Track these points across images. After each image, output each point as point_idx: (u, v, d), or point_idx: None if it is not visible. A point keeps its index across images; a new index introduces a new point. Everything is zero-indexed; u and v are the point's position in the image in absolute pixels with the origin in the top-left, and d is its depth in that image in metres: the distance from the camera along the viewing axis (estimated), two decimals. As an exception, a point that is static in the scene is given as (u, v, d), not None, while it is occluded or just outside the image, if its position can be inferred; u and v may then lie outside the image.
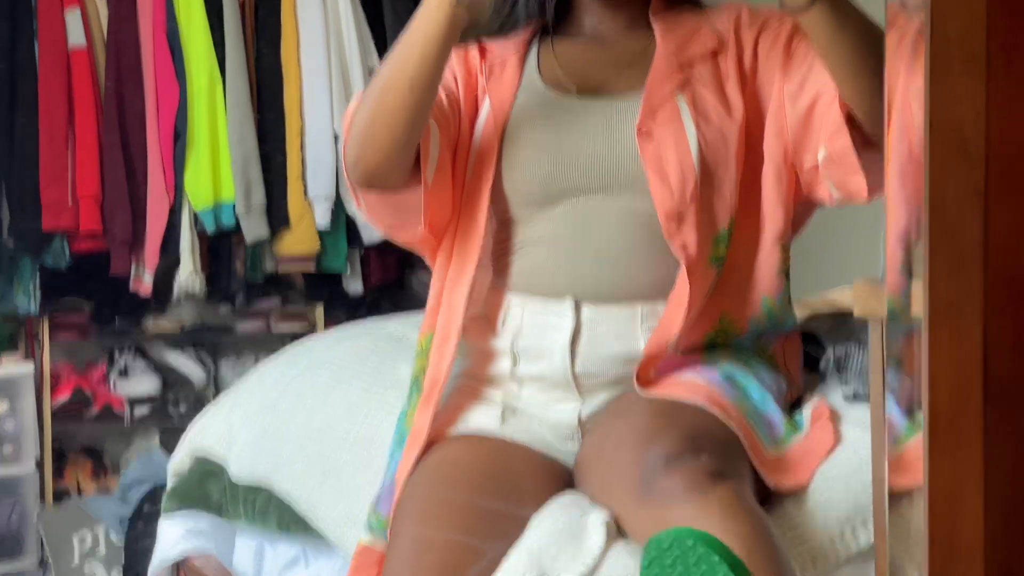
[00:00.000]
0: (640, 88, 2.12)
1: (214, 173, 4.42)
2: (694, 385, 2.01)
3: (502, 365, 2.17)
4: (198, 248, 4.47)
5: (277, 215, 4.52)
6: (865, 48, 1.89)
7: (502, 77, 2.19)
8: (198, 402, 4.74)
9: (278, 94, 4.52)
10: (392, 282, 4.98)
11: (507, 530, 1.99)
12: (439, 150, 2.12)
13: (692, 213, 2.05)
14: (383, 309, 5.13)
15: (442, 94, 2.16)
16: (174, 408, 4.76)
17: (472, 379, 2.21)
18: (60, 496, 4.59)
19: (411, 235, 2.18)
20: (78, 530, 4.37)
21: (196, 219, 4.45)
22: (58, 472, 4.65)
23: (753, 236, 2.11)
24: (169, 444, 4.72)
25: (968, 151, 1.01)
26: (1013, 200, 1.00)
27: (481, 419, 2.17)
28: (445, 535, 1.97)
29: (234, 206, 4.44)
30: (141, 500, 4.30)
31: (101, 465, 4.79)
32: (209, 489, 2.91)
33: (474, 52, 2.23)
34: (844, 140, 1.96)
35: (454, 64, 2.21)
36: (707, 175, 2.07)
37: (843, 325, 2.33)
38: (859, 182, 1.98)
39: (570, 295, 2.11)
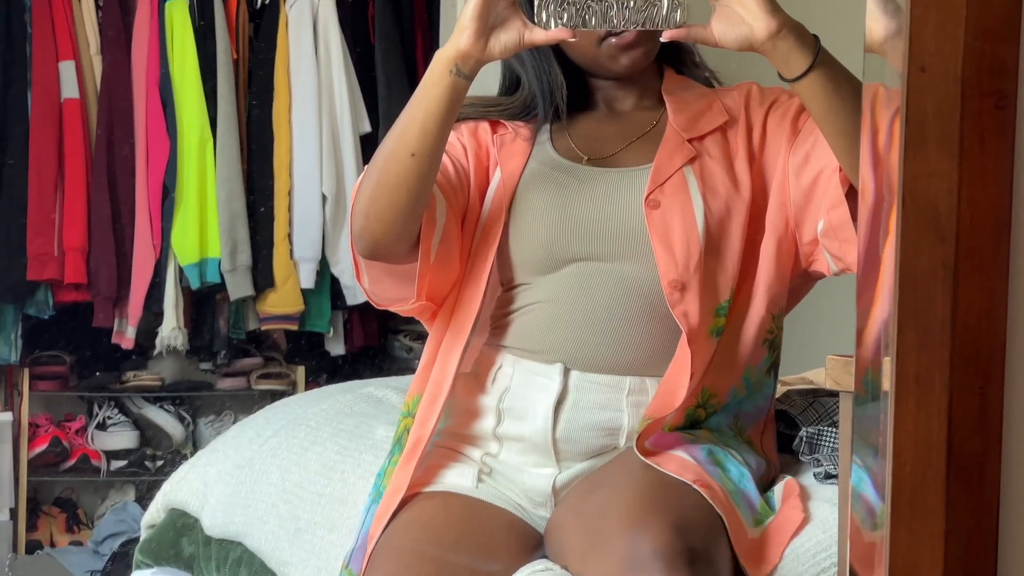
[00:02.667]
0: (649, 160, 2.15)
1: (201, 229, 4.44)
2: (684, 462, 2.01)
3: (485, 423, 2.18)
4: (182, 303, 4.49)
5: (263, 274, 4.54)
6: (861, 118, 1.92)
7: (513, 146, 2.21)
8: (175, 457, 4.75)
9: (268, 153, 4.55)
10: (373, 345, 4.99)
11: None
12: (445, 220, 2.13)
13: (696, 283, 2.07)
14: (363, 371, 5.16)
15: (449, 165, 2.17)
16: (151, 462, 4.76)
17: (452, 437, 2.21)
18: (32, 548, 4.58)
19: (409, 307, 2.19)
20: (48, 583, 4.37)
21: (181, 274, 4.46)
22: (31, 523, 4.64)
23: (748, 307, 2.13)
24: (145, 498, 4.73)
25: (940, 226, 1.03)
26: (981, 277, 1.01)
27: (456, 478, 2.17)
28: None
29: (220, 263, 4.45)
30: (113, 553, 4.29)
31: (75, 518, 4.78)
32: (181, 544, 2.91)
33: (485, 125, 2.25)
34: (842, 212, 1.98)
35: (464, 135, 2.22)
36: (712, 247, 2.09)
37: (816, 404, 2.35)
38: (855, 255, 1.99)
39: (560, 359, 2.12)
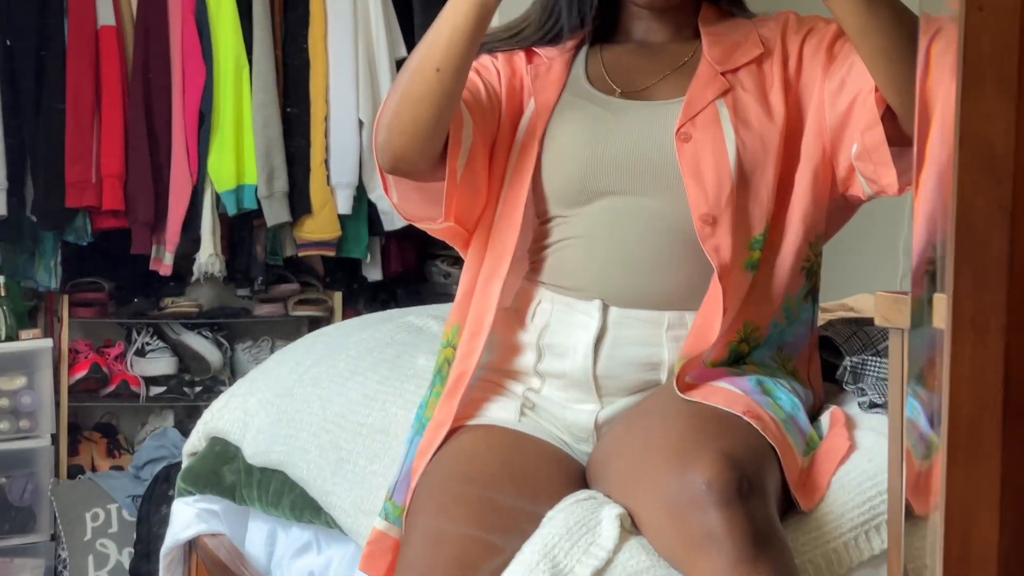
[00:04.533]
0: (682, 94, 2.13)
1: (237, 156, 4.43)
2: (731, 394, 2.00)
3: (526, 359, 2.17)
4: (219, 230, 4.49)
5: (299, 200, 4.53)
6: (898, 35, 1.89)
7: (548, 77, 2.20)
8: (214, 383, 4.76)
9: (304, 80, 4.53)
10: (411, 271, 4.99)
11: (522, 526, 2.00)
12: (471, 142, 2.12)
13: (727, 217, 2.05)
14: (401, 297, 5.16)
15: (482, 88, 2.17)
16: (189, 388, 4.77)
17: (494, 372, 2.21)
18: (73, 472, 4.61)
19: (438, 227, 2.18)
20: (91, 507, 4.40)
21: (218, 201, 4.46)
22: (72, 448, 4.67)
23: (784, 238, 2.11)
24: (183, 424, 4.76)
25: (996, 168, 1.02)
26: (1040, 218, 1.00)
27: (499, 412, 2.17)
28: (460, 529, 1.98)
29: (256, 189, 4.45)
30: (154, 479, 4.32)
31: (115, 443, 4.81)
32: (223, 472, 2.93)
33: (520, 54, 2.24)
34: (878, 133, 1.96)
35: (499, 61, 2.22)
36: (744, 180, 2.07)
37: (860, 333, 2.34)
38: (890, 175, 1.98)
39: (598, 296, 2.11)
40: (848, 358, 2.21)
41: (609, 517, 1.94)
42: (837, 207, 2.17)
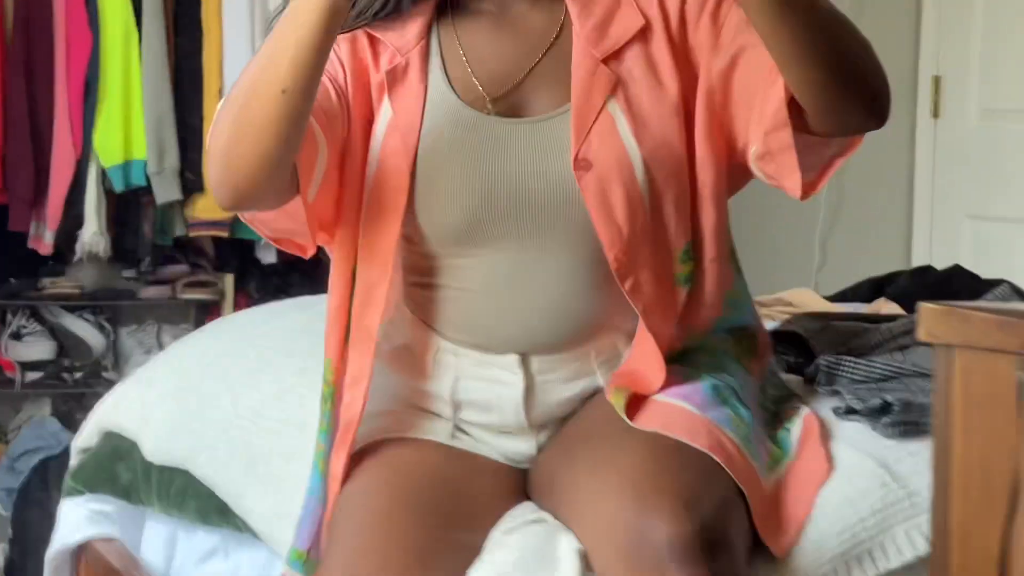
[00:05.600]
0: (565, 100, 1.83)
1: (126, 129, 4.22)
2: (690, 418, 1.78)
3: (441, 407, 1.96)
4: (104, 208, 4.26)
5: (191, 177, 4.30)
6: (822, 39, 1.63)
7: (405, 84, 1.86)
8: (96, 369, 4.52)
9: (197, 48, 4.32)
10: (306, 253, 4.77)
11: (460, 542, 1.81)
12: (325, 167, 1.82)
13: (645, 247, 1.82)
14: (296, 280, 4.94)
15: (329, 88, 1.84)
16: (69, 375, 4.53)
17: (404, 401, 1.99)
18: (-58, 462, 4.34)
19: (300, 248, 1.94)
20: (-39, 501, 4.15)
21: (104, 177, 4.23)
22: (-59, 436, 4.41)
23: (707, 234, 1.88)
24: (62, 412, 4.51)
25: None
26: None
27: (428, 428, 1.96)
28: (387, 548, 1.76)
29: (145, 165, 4.22)
30: (31, 471, 4.08)
31: (-13, 430, 4.55)
32: (118, 469, 2.70)
33: (363, 40, 1.90)
34: (784, 137, 1.70)
35: (341, 50, 1.88)
36: (656, 198, 1.81)
37: (829, 329, 2.17)
38: (794, 179, 1.74)
39: (512, 350, 1.88)
40: (822, 357, 2.03)
41: (568, 553, 1.74)
42: (732, 172, 1.90)
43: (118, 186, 4.20)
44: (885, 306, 3.11)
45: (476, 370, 1.91)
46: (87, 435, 2.82)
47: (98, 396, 4.49)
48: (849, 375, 2.01)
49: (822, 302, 3.06)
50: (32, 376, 4.49)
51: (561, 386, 1.90)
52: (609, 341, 1.89)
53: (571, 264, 1.84)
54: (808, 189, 1.76)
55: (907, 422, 1.91)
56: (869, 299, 3.26)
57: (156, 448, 2.62)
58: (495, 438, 1.94)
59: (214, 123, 1.76)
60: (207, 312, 4.74)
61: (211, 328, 2.83)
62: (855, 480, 1.84)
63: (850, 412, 1.95)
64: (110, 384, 4.53)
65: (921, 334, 1.24)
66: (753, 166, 1.80)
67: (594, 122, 1.78)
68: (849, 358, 2.03)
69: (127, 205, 4.35)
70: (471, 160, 1.82)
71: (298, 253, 1.96)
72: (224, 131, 1.73)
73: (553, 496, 1.84)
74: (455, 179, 1.83)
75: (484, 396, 1.91)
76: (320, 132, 1.79)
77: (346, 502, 1.86)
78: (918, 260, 4.86)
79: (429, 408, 1.96)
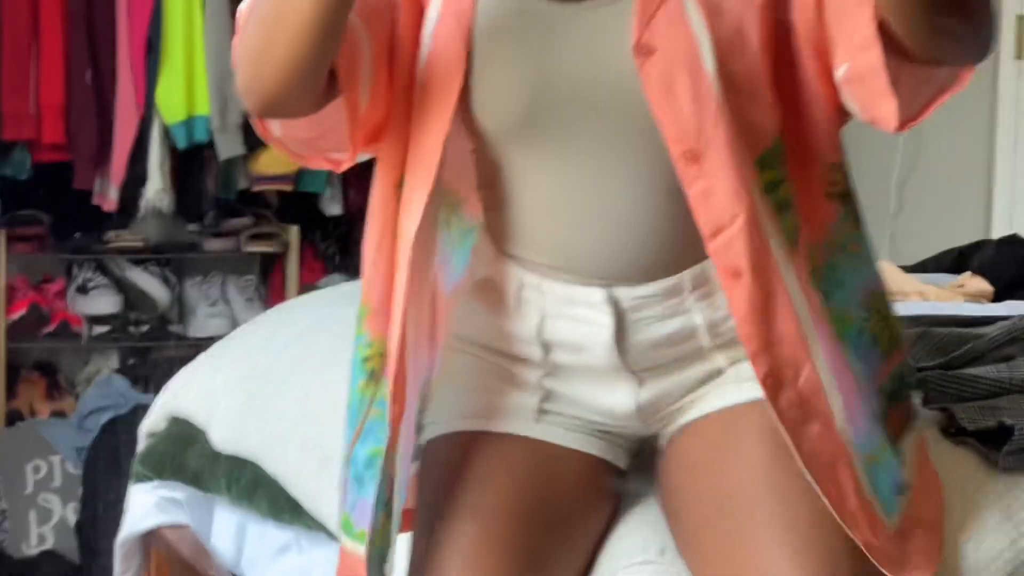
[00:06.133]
0: None
1: (188, 86, 4.15)
2: (841, 480, 1.64)
3: (528, 351, 1.78)
4: (168, 164, 4.20)
5: (254, 132, 4.21)
6: None
7: None
8: (161, 323, 4.50)
9: (261, 2, 4.21)
10: (372, 205, 4.71)
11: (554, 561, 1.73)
12: (372, 66, 1.64)
13: (717, 145, 1.60)
14: (362, 233, 4.87)
15: None
16: (135, 328, 4.51)
17: (496, 355, 1.82)
18: (12, 418, 4.36)
19: (334, 164, 1.78)
20: (32, 458, 4.15)
21: (167, 133, 4.17)
22: (10, 391, 4.39)
23: (806, 143, 1.67)
24: (128, 366, 4.49)
25: None
26: None
27: (511, 411, 1.81)
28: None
29: (208, 121, 4.15)
30: (100, 431, 4.06)
31: (55, 384, 4.54)
32: (187, 456, 2.67)
33: None
34: (874, 56, 1.52)
35: None
36: (732, 88, 1.61)
37: (926, 337, 2.07)
38: (888, 106, 1.54)
39: (598, 281, 1.71)
40: (927, 372, 1.93)
41: None
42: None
43: (181, 143, 4.14)
44: (971, 281, 3.02)
45: (562, 309, 1.73)
46: (155, 419, 2.78)
47: (163, 350, 4.53)
48: (956, 392, 1.91)
49: (904, 277, 2.97)
50: (98, 330, 4.47)
51: (655, 325, 1.72)
52: (702, 270, 1.70)
53: (642, 167, 1.66)
54: (906, 120, 1.57)
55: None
56: (953, 271, 3.17)
57: (225, 437, 2.58)
58: (590, 397, 1.78)
59: (241, 26, 1.63)
60: (273, 263, 4.70)
61: (279, 311, 2.78)
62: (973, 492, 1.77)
63: (959, 433, 1.86)
64: (176, 337, 4.53)
65: None
66: (844, 95, 1.61)
67: (658, 8, 1.60)
68: (963, 372, 1.92)
69: (190, 160, 4.29)
70: (527, 44, 1.66)
71: (331, 168, 1.81)
72: (254, 34, 1.58)
73: (685, 531, 1.72)
74: (510, 64, 1.66)
75: (573, 337, 1.74)
76: (363, 28, 1.62)
77: (436, 536, 1.73)
78: (1000, 206, 4.73)
79: (516, 353, 1.79)
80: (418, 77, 1.68)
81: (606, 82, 1.63)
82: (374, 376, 1.80)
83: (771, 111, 1.63)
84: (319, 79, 1.59)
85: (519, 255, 1.75)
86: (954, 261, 3.15)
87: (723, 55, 1.59)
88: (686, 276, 1.70)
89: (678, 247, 1.69)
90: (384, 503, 1.76)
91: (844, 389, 1.67)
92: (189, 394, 2.71)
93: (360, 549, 1.80)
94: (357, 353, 1.83)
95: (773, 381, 1.63)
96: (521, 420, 1.81)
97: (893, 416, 1.75)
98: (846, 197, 1.71)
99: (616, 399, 1.78)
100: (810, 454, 1.64)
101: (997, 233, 4.65)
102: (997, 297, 2.96)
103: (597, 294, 1.71)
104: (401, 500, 1.79)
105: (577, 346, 1.75)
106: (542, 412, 1.80)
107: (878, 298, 1.76)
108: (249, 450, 2.51)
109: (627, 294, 1.71)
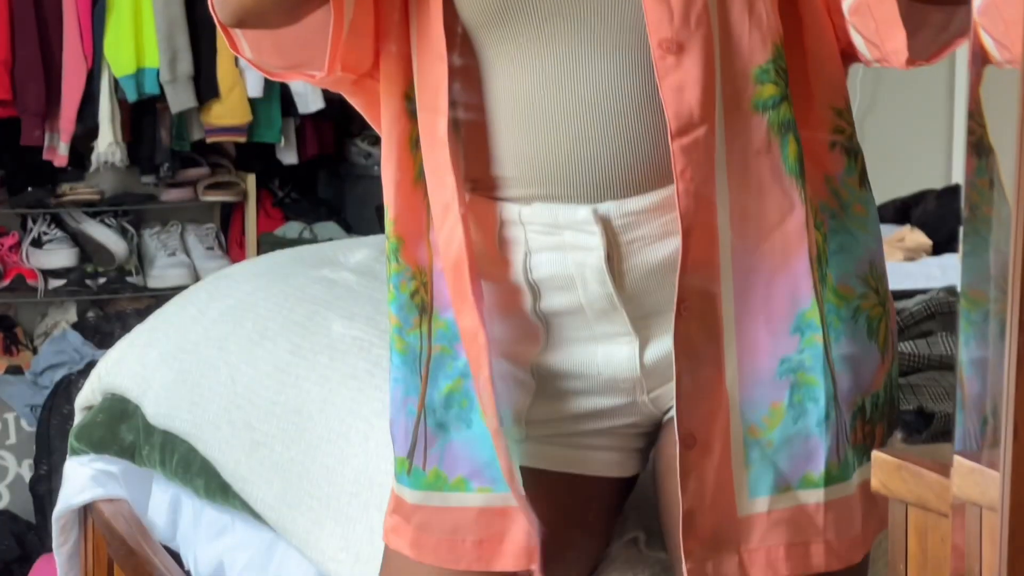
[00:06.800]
0: None
1: (137, 37, 4.09)
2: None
3: (518, 300, 1.60)
4: (119, 117, 4.16)
5: (206, 84, 4.20)
6: None
7: None
8: (119, 274, 4.46)
9: (208, -49, 4.15)
10: (329, 152, 4.68)
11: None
12: None
13: (699, 40, 1.49)
14: (319, 177, 4.85)
15: None
16: (92, 280, 4.47)
17: (495, 314, 1.62)
18: (-33, 372, 4.32)
19: (310, 77, 1.63)
20: (-14, 415, 4.13)
21: (117, 86, 4.12)
22: (-36, 345, 4.38)
23: (805, 79, 1.56)
24: (86, 318, 4.46)
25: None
26: None
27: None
28: None
29: (158, 73, 4.10)
30: (54, 388, 4.04)
31: (12, 337, 4.51)
32: (121, 430, 2.66)
33: None
34: None
35: None
36: None
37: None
38: (897, 38, 1.45)
39: (583, 198, 1.54)
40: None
41: None
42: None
43: (131, 96, 4.10)
44: (910, 234, 3.00)
45: (548, 239, 1.57)
46: (89, 393, 2.77)
47: (122, 302, 4.50)
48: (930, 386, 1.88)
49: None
50: (55, 283, 4.43)
51: (649, 248, 1.55)
52: None
53: (625, 65, 1.53)
54: (916, 58, 1.48)
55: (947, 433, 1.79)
56: (896, 221, 3.15)
57: (157, 412, 2.57)
58: (591, 348, 1.61)
59: None
60: (231, 212, 4.67)
61: (208, 284, 2.75)
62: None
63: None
64: (135, 288, 4.50)
65: (875, 484, 1.12)
66: (851, 29, 1.52)
67: None
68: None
69: (142, 112, 4.25)
70: None
71: (307, 80, 1.66)
72: None
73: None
74: None
75: (562, 268, 1.57)
76: None
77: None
78: (960, 135, 4.69)
79: (511, 314, 1.61)
80: None
81: None
82: (425, 310, 1.62)
83: (769, 29, 1.52)
84: None
85: (494, 188, 1.60)
86: (897, 212, 3.13)
87: None
88: (677, 193, 1.52)
89: (668, 155, 1.51)
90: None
91: (747, 347, 1.55)
92: (123, 369, 2.70)
93: (403, 491, 1.64)
94: (401, 293, 1.63)
95: (689, 307, 1.53)
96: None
97: (874, 430, 1.62)
98: (852, 151, 1.60)
99: (619, 359, 1.61)
100: (692, 397, 1.55)
101: (959, 170, 4.64)
102: (937, 249, 2.93)
103: (583, 211, 1.54)
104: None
105: (567, 280, 1.58)
106: (528, 424, 1.63)
107: (878, 274, 1.62)
108: (182, 428, 2.49)
109: (616, 209, 1.54)
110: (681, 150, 1.49)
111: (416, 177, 1.60)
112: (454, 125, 1.58)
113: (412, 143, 1.60)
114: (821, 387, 1.56)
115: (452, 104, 1.57)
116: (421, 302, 1.62)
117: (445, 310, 1.60)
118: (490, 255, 1.59)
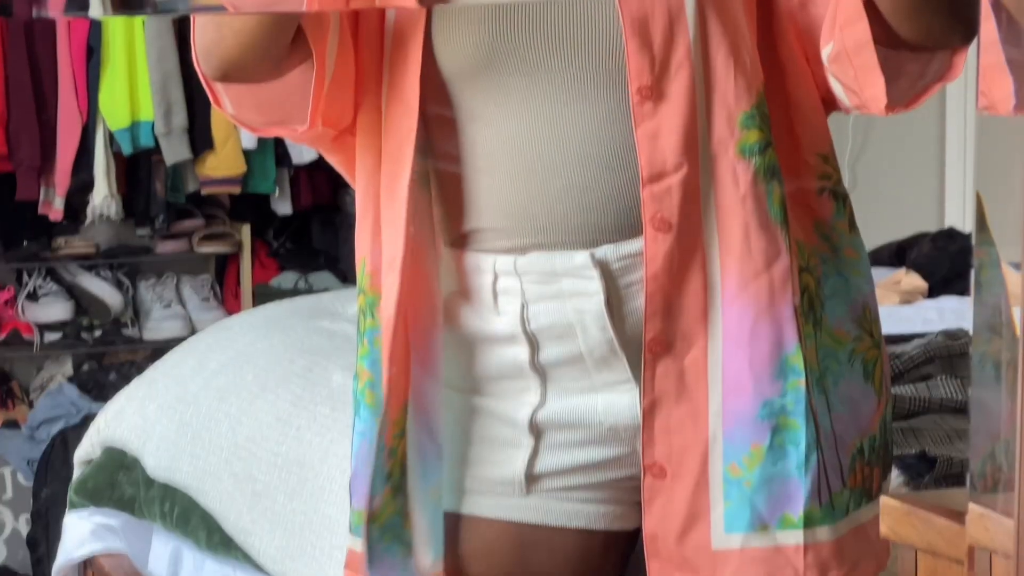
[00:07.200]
0: None
1: (131, 91, 4.11)
2: None
3: (515, 354, 1.59)
4: (114, 170, 4.17)
5: (200, 136, 4.21)
6: None
7: None
8: (115, 327, 4.47)
9: (201, 4, 4.17)
10: (324, 202, 4.69)
11: None
12: (339, 26, 1.53)
13: (681, 87, 1.50)
14: (314, 229, 4.86)
15: None
16: (88, 333, 4.47)
17: (478, 394, 1.62)
18: (-36, 426, 4.32)
19: (292, 132, 1.62)
20: (-17, 470, 4.13)
21: (112, 138, 4.13)
22: (-37, 399, 4.37)
23: (790, 124, 1.57)
24: (82, 371, 4.45)
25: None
26: None
27: (495, 486, 1.62)
28: None
29: (153, 126, 4.12)
30: (50, 442, 4.03)
31: (8, 391, 4.51)
32: (121, 483, 2.66)
33: None
34: (861, 31, 1.45)
35: None
36: (709, 40, 1.51)
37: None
38: (876, 85, 1.46)
39: (578, 243, 1.54)
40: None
41: None
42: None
43: (126, 149, 4.11)
44: (906, 277, 3.01)
45: (546, 288, 1.56)
46: (88, 446, 2.77)
47: (118, 354, 4.50)
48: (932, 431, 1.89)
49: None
50: (51, 337, 4.44)
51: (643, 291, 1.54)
52: None
53: (611, 108, 1.53)
54: (895, 104, 1.49)
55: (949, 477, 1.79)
56: (891, 264, 3.16)
57: (157, 465, 2.57)
58: (591, 399, 1.60)
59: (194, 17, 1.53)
60: (227, 263, 4.67)
61: (208, 335, 2.75)
62: None
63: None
64: (130, 341, 4.50)
65: (884, 529, 1.13)
66: (831, 77, 1.53)
67: None
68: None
69: (137, 164, 4.26)
70: None
71: (289, 136, 1.66)
72: (206, 28, 1.51)
73: None
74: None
75: (561, 316, 1.56)
76: None
77: None
78: (952, 179, 4.71)
79: (501, 371, 1.60)
80: (387, 30, 1.57)
81: (577, 12, 1.53)
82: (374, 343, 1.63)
83: (753, 74, 1.53)
84: (284, 38, 1.50)
85: (487, 240, 1.59)
86: (892, 255, 3.14)
87: (704, 6, 1.51)
88: None
89: None
90: (386, 476, 1.60)
91: (731, 387, 1.55)
92: (122, 422, 2.69)
93: (356, 542, 1.61)
94: (375, 347, 1.62)
95: (660, 347, 1.53)
96: (505, 496, 1.62)
97: (872, 473, 1.60)
98: (840, 196, 1.60)
99: (620, 407, 1.59)
100: (664, 431, 1.54)
101: (952, 213, 4.65)
102: (933, 292, 2.94)
103: (580, 256, 1.54)
104: (430, 482, 1.62)
105: (567, 328, 1.57)
106: (531, 480, 1.61)
107: (872, 317, 1.62)
108: (182, 480, 2.49)
109: (614, 252, 1.54)
110: (651, 196, 1.50)
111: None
112: (424, 178, 1.58)
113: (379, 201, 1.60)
114: (802, 431, 1.55)
115: (424, 157, 1.57)
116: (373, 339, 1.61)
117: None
118: (480, 312, 1.58)
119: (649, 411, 1.55)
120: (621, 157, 1.53)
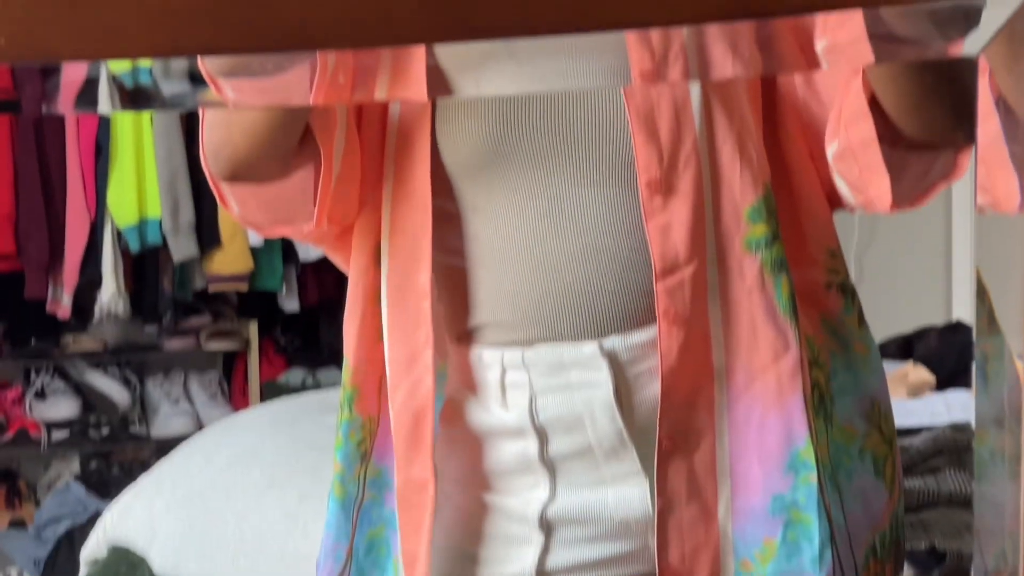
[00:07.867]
0: None
1: (139, 188, 4.13)
2: None
3: (524, 448, 1.57)
4: (122, 267, 4.18)
5: (207, 233, 4.22)
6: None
7: None
8: (122, 424, 4.46)
9: (209, 103, 4.21)
10: (330, 299, 4.70)
11: None
12: (346, 124, 1.54)
13: (687, 183, 1.51)
14: (321, 325, 4.87)
15: None
16: (95, 431, 4.47)
17: (478, 490, 1.60)
18: (-29, 525, 4.31)
19: (297, 231, 1.61)
20: (-10, 569, 4.11)
21: (119, 236, 4.15)
22: (-31, 498, 4.37)
23: (799, 206, 1.57)
24: (90, 469, 4.45)
25: None
26: None
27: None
28: None
29: (161, 223, 4.14)
30: (56, 543, 4.02)
31: (15, 491, 4.49)
32: (128, 582, 2.64)
33: None
34: (866, 129, 1.45)
35: None
36: (715, 134, 1.53)
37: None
38: (882, 184, 1.47)
39: (586, 334, 1.54)
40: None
41: None
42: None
43: (134, 246, 4.13)
44: (913, 370, 3.00)
45: (554, 380, 1.55)
46: (95, 545, 2.76)
47: (126, 452, 4.49)
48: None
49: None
50: (58, 435, 4.44)
51: (657, 380, 1.53)
52: None
53: (618, 201, 1.53)
54: (900, 203, 1.49)
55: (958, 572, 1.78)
56: (898, 358, 3.15)
57: (164, 563, 2.55)
58: (601, 493, 1.58)
59: (203, 117, 1.55)
60: (234, 359, 4.68)
61: (214, 432, 2.75)
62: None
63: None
64: (138, 439, 4.50)
65: None
66: (836, 175, 1.53)
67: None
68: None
69: (145, 261, 4.28)
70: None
71: (295, 236, 1.64)
72: (215, 127, 1.53)
73: None
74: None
75: (569, 408, 1.54)
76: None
77: None
78: (959, 272, 4.72)
79: (509, 467, 1.57)
80: (390, 129, 1.57)
81: (583, 104, 1.54)
82: (365, 458, 1.61)
83: (759, 168, 1.54)
84: (292, 137, 1.51)
85: (494, 334, 1.58)
86: (899, 348, 3.14)
87: (710, 100, 1.53)
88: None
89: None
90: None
91: (740, 483, 1.55)
92: (129, 521, 2.68)
93: None
94: (349, 441, 1.62)
95: (671, 444, 1.52)
96: None
97: (883, 569, 1.61)
98: (848, 291, 1.59)
99: (631, 500, 1.57)
100: (676, 533, 1.54)
101: (959, 306, 4.65)
102: (940, 385, 2.94)
103: (588, 347, 1.54)
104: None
105: (576, 419, 1.55)
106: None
107: (882, 412, 1.61)
108: (188, 578, 2.48)
109: (622, 343, 1.54)
110: (665, 291, 1.51)
111: (380, 331, 1.58)
112: (450, 283, 1.57)
113: (379, 296, 1.58)
114: (815, 526, 1.55)
115: (438, 258, 1.55)
116: (364, 451, 1.61)
117: (382, 459, 1.60)
118: (488, 406, 1.57)
119: (663, 513, 1.54)
120: (630, 249, 1.53)
